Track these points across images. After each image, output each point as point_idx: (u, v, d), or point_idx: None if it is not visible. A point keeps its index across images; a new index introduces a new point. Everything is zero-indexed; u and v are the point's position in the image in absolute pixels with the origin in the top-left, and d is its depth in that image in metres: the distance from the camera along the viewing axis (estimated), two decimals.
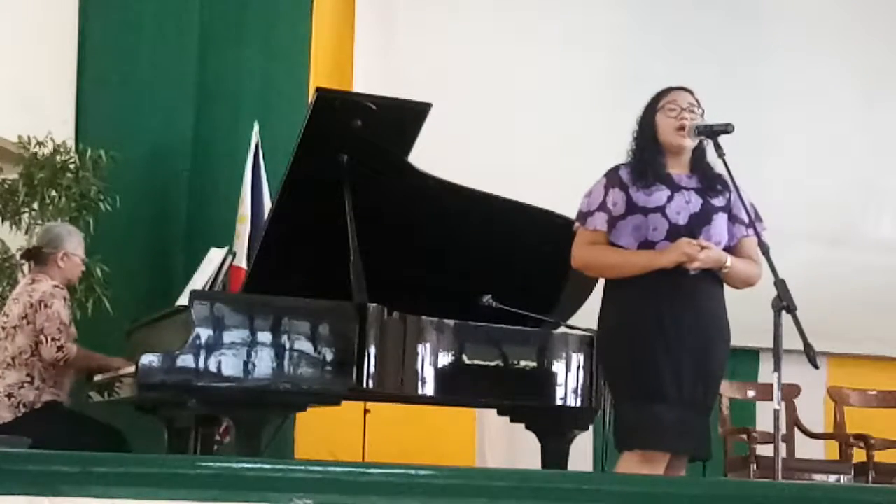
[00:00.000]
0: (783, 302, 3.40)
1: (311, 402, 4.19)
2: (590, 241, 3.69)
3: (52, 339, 4.46)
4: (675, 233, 3.60)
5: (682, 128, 3.67)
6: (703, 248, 3.56)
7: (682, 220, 3.62)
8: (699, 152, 3.74)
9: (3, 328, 4.57)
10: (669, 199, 3.63)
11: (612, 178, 3.70)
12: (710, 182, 3.71)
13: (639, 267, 3.60)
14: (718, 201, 3.70)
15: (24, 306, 4.52)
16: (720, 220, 3.68)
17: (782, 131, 6.98)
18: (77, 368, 4.63)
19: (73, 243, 4.75)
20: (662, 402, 3.53)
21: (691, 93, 3.76)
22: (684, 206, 3.64)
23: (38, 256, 4.70)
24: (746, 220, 3.71)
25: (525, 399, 4.56)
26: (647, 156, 3.69)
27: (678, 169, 3.71)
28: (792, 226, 6.39)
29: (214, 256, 4.74)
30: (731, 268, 3.63)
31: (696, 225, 3.63)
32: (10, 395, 4.45)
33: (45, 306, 4.48)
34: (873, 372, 6.83)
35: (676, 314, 3.59)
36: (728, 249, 3.67)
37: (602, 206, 3.66)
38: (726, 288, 3.73)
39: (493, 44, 6.67)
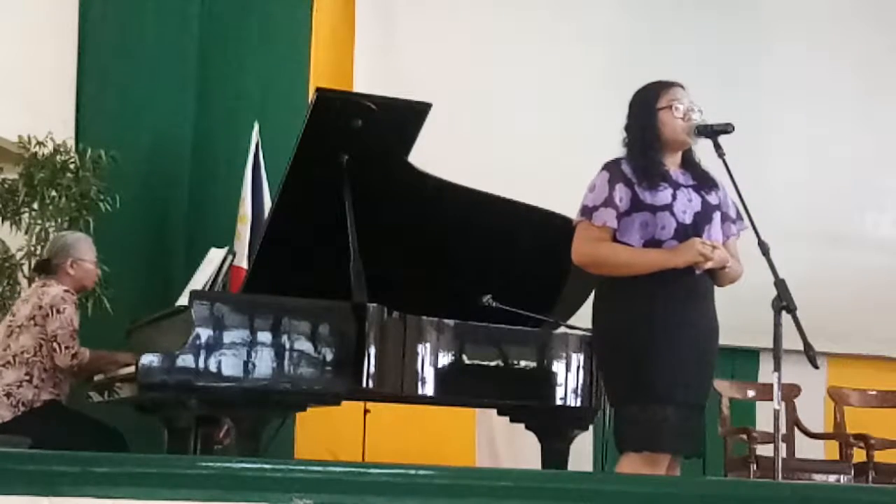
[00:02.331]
0: (783, 302, 3.40)
1: (311, 402, 4.19)
2: (596, 237, 3.62)
3: (66, 347, 4.47)
4: (682, 232, 3.59)
5: (689, 128, 3.64)
6: (714, 247, 3.56)
7: (688, 219, 3.61)
8: (689, 149, 3.72)
9: (9, 326, 4.57)
10: (674, 196, 3.62)
11: (616, 172, 3.64)
12: (702, 179, 3.70)
13: (652, 266, 3.56)
14: (713, 199, 3.69)
15: (33, 307, 4.52)
16: (717, 218, 3.68)
17: (782, 131, 6.98)
18: (88, 371, 4.62)
19: (82, 249, 4.75)
20: (670, 403, 3.52)
21: (685, 88, 3.74)
22: (688, 204, 3.63)
23: (48, 268, 4.71)
24: (734, 217, 3.73)
25: (525, 399, 4.55)
26: (650, 154, 3.64)
27: (672, 166, 3.70)
28: (792, 226, 6.39)
29: (214, 257, 4.74)
30: (730, 267, 3.64)
31: (700, 224, 3.63)
32: (8, 395, 4.45)
33: (58, 311, 4.49)
34: (873, 372, 6.83)
35: (683, 314, 3.58)
36: None
37: (609, 202, 3.60)
38: (728, 288, 3.73)
39: (494, 44, 6.67)
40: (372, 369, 4.00)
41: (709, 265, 3.56)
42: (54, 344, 4.46)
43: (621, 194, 3.61)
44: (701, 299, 3.64)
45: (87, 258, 4.76)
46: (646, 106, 3.68)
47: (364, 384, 4.00)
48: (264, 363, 3.94)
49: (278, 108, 6.36)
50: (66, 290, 4.58)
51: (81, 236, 4.91)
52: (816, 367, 3.36)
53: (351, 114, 4.27)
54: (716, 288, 3.72)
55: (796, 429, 5.95)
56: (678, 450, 3.60)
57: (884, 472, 5.69)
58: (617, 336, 3.65)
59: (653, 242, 3.59)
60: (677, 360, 3.54)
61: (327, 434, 6.00)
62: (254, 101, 6.41)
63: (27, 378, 4.47)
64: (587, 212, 3.64)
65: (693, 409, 3.59)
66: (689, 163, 3.72)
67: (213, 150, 6.36)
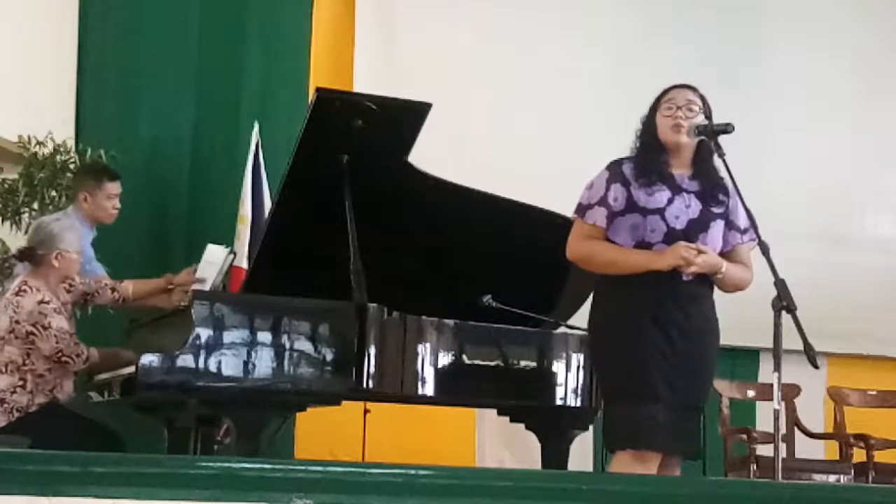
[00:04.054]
0: (783, 302, 3.40)
1: (311, 402, 4.19)
2: (587, 234, 3.69)
3: (77, 356, 4.41)
4: (672, 237, 3.60)
5: (677, 126, 3.66)
6: (699, 252, 3.56)
7: (679, 224, 3.62)
8: (704, 153, 3.70)
9: None
10: (670, 201, 3.63)
11: (615, 172, 3.69)
12: (711, 188, 3.69)
13: (636, 266, 3.60)
14: (717, 209, 3.69)
15: (11, 321, 4.39)
16: (717, 227, 3.68)
17: (782, 131, 6.97)
18: (97, 370, 4.59)
19: (68, 240, 4.55)
20: (655, 402, 3.53)
21: (694, 90, 3.74)
22: (684, 210, 3.63)
23: (31, 257, 4.53)
24: (742, 226, 3.71)
25: (525, 399, 4.56)
26: (651, 154, 3.68)
27: (680, 169, 3.70)
28: (792, 226, 6.39)
29: (213, 255, 4.73)
30: (725, 273, 3.64)
31: (694, 231, 3.63)
32: (2, 401, 4.38)
33: (44, 328, 4.36)
34: (873, 372, 6.83)
35: (669, 315, 3.59)
36: (722, 255, 3.67)
37: (602, 201, 3.65)
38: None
39: (493, 43, 6.67)
40: (372, 369, 4.00)
41: (692, 269, 3.56)
42: (63, 358, 4.40)
43: (616, 194, 3.65)
44: (691, 302, 3.64)
45: (72, 249, 4.55)
46: (650, 108, 3.75)
47: (364, 384, 4.00)
48: (264, 363, 3.95)
49: (278, 108, 6.35)
50: (39, 301, 4.40)
51: (67, 224, 4.68)
52: (816, 367, 3.37)
53: (351, 114, 4.27)
54: (716, 289, 3.73)
55: (796, 429, 5.95)
56: (667, 449, 3.60)
57: (884, 472, 5.69)
58: (604, 334, 3.71)
59: (643, 245, 3.63)
60: (663, 361, 3.56)
61: (327, 434, 6.00)
62: (254, 101, 6.41)
63: (21, 384, 4.38)
64: (581, 209, 3.72)
65: (683, 410, 3.60)
66: (701, 170, 3.70)
67: (212, 150, 6.36)
